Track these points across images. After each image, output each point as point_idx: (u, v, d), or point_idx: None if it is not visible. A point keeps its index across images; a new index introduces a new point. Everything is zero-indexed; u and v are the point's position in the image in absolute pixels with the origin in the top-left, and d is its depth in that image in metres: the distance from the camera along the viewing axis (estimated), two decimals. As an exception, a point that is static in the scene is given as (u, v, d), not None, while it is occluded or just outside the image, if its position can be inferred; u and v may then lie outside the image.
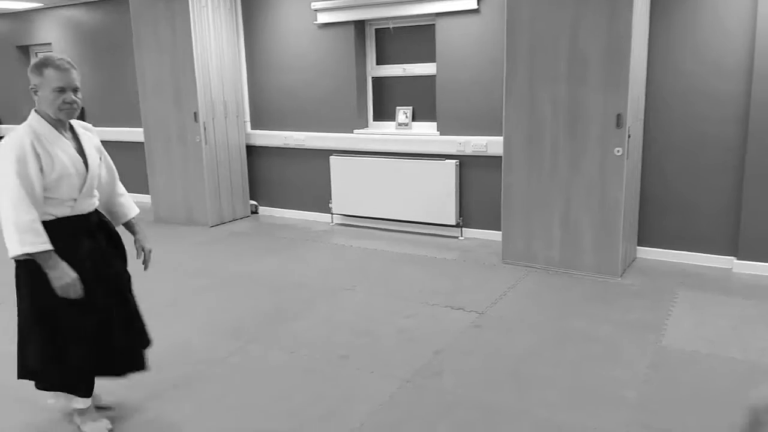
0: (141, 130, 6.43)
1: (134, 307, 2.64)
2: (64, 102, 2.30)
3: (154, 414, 2.70)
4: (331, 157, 5.89)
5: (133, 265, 2.69)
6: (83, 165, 2.38)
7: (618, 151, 4.07)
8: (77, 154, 2.38)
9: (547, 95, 4.26)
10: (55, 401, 2.60)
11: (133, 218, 2.68)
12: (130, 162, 7.29)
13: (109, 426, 2.57)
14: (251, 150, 6.49)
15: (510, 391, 2.82)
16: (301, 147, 6.16)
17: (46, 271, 2.25)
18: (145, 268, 2.65)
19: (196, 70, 5.78)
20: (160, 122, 6.16)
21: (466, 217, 5.38)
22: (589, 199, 4.24)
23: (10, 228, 2.19)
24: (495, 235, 5.14)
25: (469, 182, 5.31)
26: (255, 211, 6.64)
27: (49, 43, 7.74)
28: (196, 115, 5.88)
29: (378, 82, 5.90)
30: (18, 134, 2.27)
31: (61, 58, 2.32)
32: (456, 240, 5.36)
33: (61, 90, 2.28)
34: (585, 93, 4.12)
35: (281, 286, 4.33)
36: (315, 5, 5.72)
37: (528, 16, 4.23)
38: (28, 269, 2.32)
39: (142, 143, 6.47)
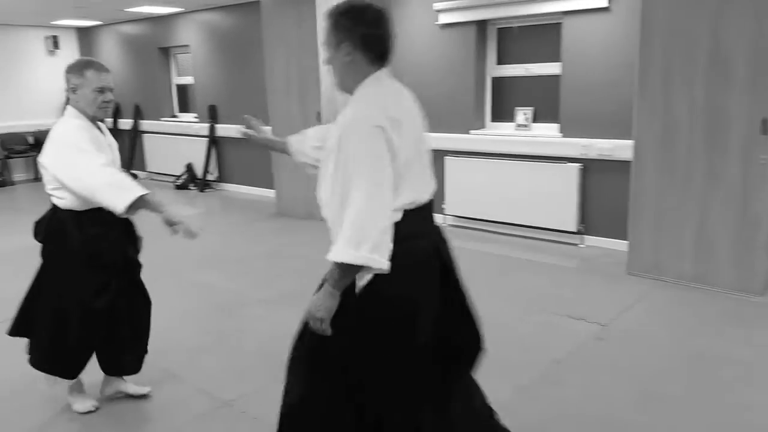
0: (269, 128, 6.76)
1: (146, 300, 2.79)
2: (103, 101, 2.47)
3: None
4: (445, 157, 5.89)
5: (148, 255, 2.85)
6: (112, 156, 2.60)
7: (763, 159, 3.75)
8: (108, 148, 2.59)
9: (682, 98, 4.00)
10: (48, 386, 2.74)
11: None
12: (256, 158, 7.70)
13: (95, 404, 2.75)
14: (368, 149, 6.63)
15: (634, 409, 2.69)
16: (417, 147, 6.20)
17: (160, 211, 2.33)
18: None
19: (320, 71, 5.99)
20: (286, 121, 6.46)
21: (587, 224, 5.18)
22: (727, 209, 3.94)
23: (110, 187, 2.30)
24: (619, 245, 4.91)
25: (592, 187, 5.10)
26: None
27: (187, 45, 8.35)
28: (318, 114, 6.10)
29: (497, 82, 5.81)
30: (74, 125, 2.44)
31: (98, 61, 2.50)
32: (576, 247, 5.17)
33: (101, 90, 2.45)
34: (726, 96, 3.83)
35: (396, 284, 4.40)
36: (437, 6, 5.73)
37: (664, 14, 3.99)
38: (54, 252, 2.52)
39: (268, 140, 6.81)
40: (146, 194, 2.32)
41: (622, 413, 2.66)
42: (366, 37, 1.73)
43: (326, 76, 6.04)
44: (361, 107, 1.69)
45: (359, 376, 1.78)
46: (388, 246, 1.61)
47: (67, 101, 2.52)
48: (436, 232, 1.91)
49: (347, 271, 1.65)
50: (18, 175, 9.35)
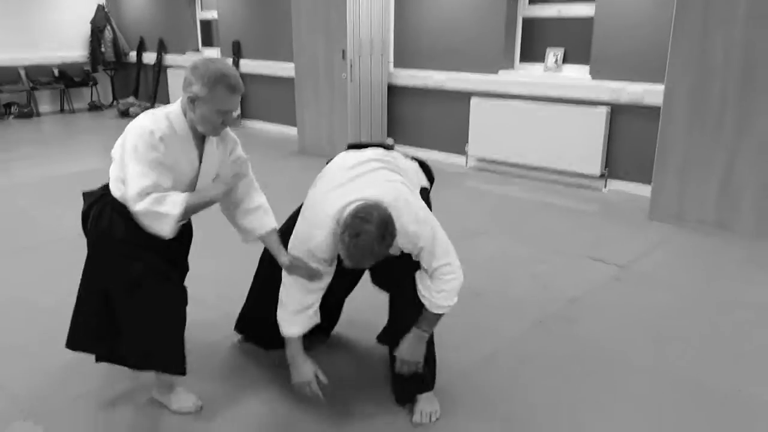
0: (292, 65, 6.71)
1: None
2: (222, 124, 2.11)
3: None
4: (471, 98, 5.82)
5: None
6: (196, 177, 2.19)
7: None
8: (197, 163, 2.18)
9: (719, 41, 3.88)
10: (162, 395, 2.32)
11: (266, 233, 2.41)
12: (280, 96, 7.67)
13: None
14: (391, 89, 6.57)
15: (646, 347, 2.74)
16: (441, 88, 6.13)
17: (207, 202, 2.14)
18: None
19: (347, 9, 5.88)
20: (310, 58, 6.39)
21: (612, 168, 5.13)
22: (758, 158, 3.88)
23: (145, 217, 2.03)
24: (642, 190, 4.87)
25: (619, 132, 5.03)
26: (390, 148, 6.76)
27: (212, -22, 8.21)
28: (344, 52, 6.02)
29: (528, 22, 5.67)
30: (150, 127, 2.04)
31: (233, 74, 2.06)
32: (599, 192, 5.15)
33: (226, 113, 2.08)
34: (765, 42, 3.71)
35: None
36: (470, -60, 5.55)
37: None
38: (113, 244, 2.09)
39: (292, 79, 6.77)
40: (185, 206, 2.04)
41: (635, 353, 2.70)
42: None
43: (352, 13, 5.94)
44: (426, 228, 2.11)
45: None
46: None
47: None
48: None
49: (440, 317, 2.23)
50: (43, 107, 9.44)
